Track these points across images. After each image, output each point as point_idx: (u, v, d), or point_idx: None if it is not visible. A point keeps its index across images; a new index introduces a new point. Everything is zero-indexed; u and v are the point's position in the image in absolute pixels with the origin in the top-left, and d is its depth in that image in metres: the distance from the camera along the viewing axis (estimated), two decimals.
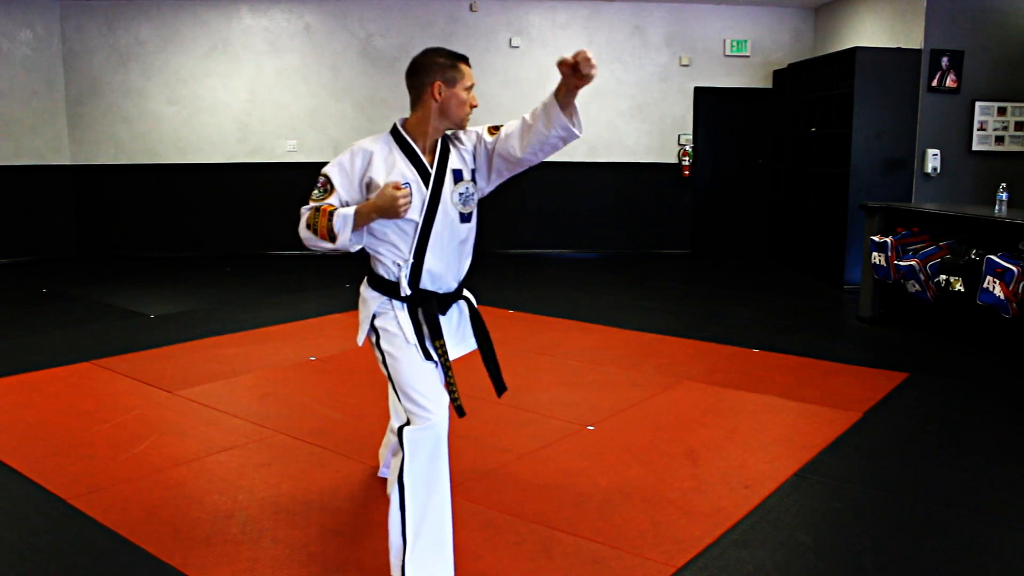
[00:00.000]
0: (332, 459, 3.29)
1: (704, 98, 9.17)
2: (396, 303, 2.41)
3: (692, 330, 5.64)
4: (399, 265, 2.39)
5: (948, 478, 3.15)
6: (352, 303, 6.57)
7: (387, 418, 3.81)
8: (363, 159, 2.38)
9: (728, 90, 9.12)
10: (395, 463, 2.30)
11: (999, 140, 7.14)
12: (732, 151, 9.38)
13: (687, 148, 9.12)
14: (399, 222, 2.35)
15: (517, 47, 8.92)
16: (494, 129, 2.54)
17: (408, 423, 2.29)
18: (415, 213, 2.35)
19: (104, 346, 5.04)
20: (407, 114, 2.49)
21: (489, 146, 2.51)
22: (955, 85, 6.97)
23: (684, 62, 9.06)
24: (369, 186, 2.36)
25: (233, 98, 8.88)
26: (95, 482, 3.04)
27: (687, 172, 9.15)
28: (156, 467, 3.19)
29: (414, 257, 2.38)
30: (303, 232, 2.37)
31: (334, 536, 2.64)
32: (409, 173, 2.37)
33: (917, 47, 6.92)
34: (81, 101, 8.79)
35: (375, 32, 8.88)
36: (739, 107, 9.24)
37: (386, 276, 2.42)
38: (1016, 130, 7.14)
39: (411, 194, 2.31)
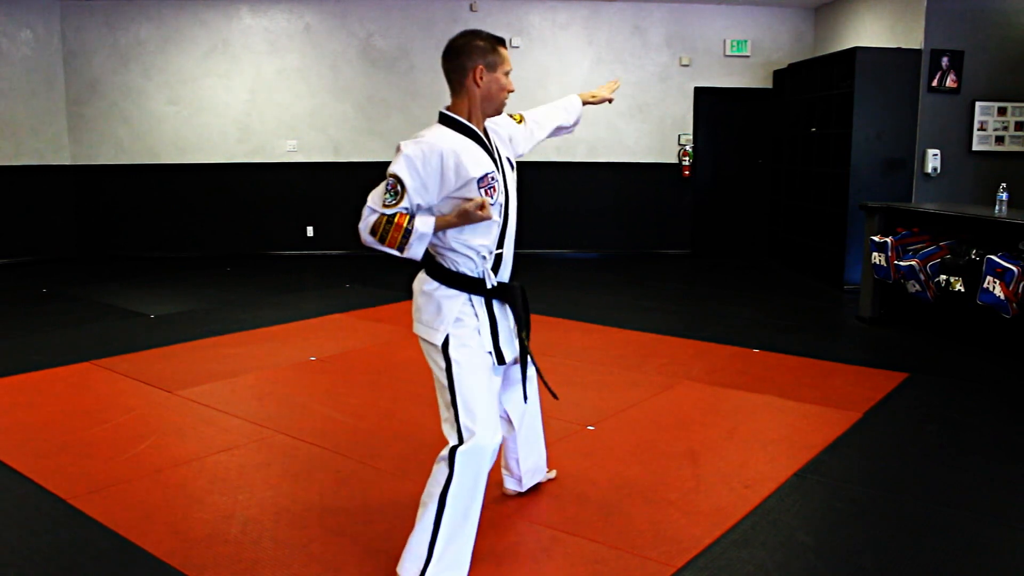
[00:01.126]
0: (332, 459, 3.29)
1: (704, 98, 9.17)
2: (476, 300, 2.33)
3: (692, 330, 5.64)
4: (485, 258, 2.31)
5: (948, 478, 3.15)
6: (352, 303, 6.60)
7: (386, 418, 3.82)
8: (438, 159, 2.20)
9: (728, 90, 9.12)
10: (437, 474, 2.26)
11: (999, 140, 7.14)
12: (732, 151, 9.38)
13: (687, 148, 9.12)
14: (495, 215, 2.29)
15: (517, 47, 8.92)
16: (516, 117, 2.64)
17: (461, 442, 2.25)
18: (501, 204, 2.32)
19: (104, 346, 5.04)
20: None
21: (524, 134, 2.61)
22: (955, 85, 6.97)
23: (684, 62, 9.06)
24: (457, 183, 2.23)
25: (233, 98, 8.88)
26: (95, 482, 3.04)
27: (687, 172, 9.15)
28: (156, 467, 3.19)
29: (498, 246, 2.34)
30: (366, 235, 2.24)
31: (334, 536, 2.64)
32: (488, 164, 2.29)
33: (917, 47, 6.92)
34: (81, 101, 8.80)
35: (375, 32, 8.89)
36: (739, 107, 9.23)
37: (469, 272, 2.31)
38: (1016, 130, 7.14)
39: (496, 190, 2.29)
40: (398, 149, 2.23)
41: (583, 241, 9.31)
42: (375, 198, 2.24)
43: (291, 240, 9.17)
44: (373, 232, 2.23)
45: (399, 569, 2.29)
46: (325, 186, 9.04)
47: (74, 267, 8.45)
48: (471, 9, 8.84)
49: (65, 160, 8.82)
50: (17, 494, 2.96)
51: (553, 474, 3.07)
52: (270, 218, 9.13)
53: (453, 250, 2.30)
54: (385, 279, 7.54)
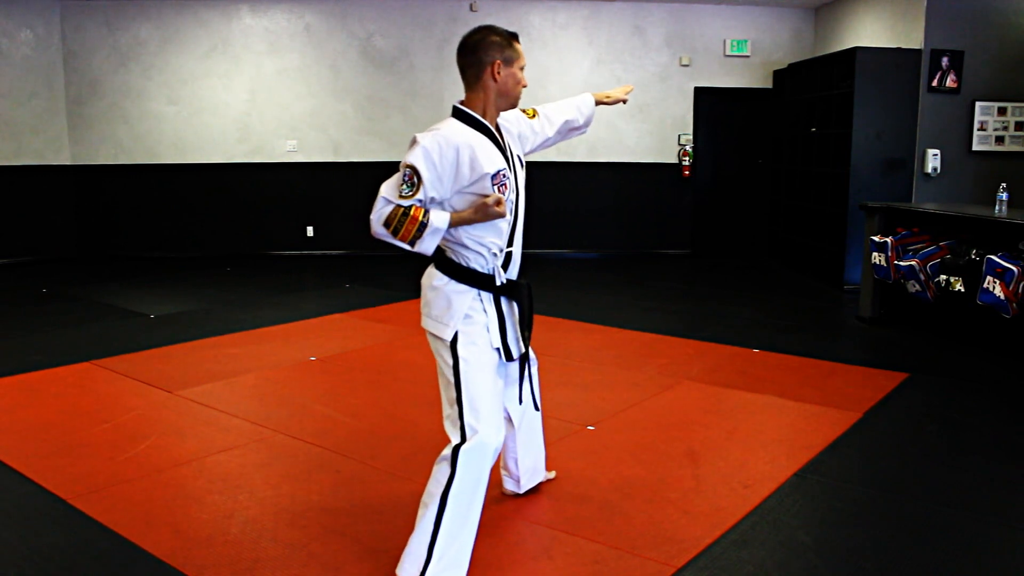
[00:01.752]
0: (332, 459, 3.29)
1: (704, 98, 9.17)
2: (485, 297, 2.32)
3: (692, 330, 5.64)
4: (495, 255, 2.32)
5: (948, 478, 3.15)
6: (352, 303, 6.58)
7: (386, 418, 3.82)
8: (454, 153, 2.20)
9: (728, 90, 9.12)
10: (438, 474, 2.25)
11: (999, 140, 7.14)
12: (732, 151, 9.38)
13: (687, 148, 9.12)
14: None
15: None
16: (529, 112, 2.63)
17: (464, 440, 2.24)
18: (512, 202, 2.33)
19: (104, 346, 5.04)
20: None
21: (536, 129, 2.61)
22: (955, 85, 6.97)
23: (684, 62, 9.06)
24: (471, 178, 2.22)
25: (233, 98, 8.88)
26: (95, 482, 3.04)
27: (687, 172, 9.15)
28: (156, 467, 3.19)
29: (508, 244, 2.34)
30: (378, 227, 2.21)
31: (334, 536, 2.64)
32: (500, 161, 2.29)
33: (917, 47, 6.92)
34: (81, 101, 8.80)
35: (375, 32, 8.89)
36: (739, 107, 9.23)
37: (479, 268, 2.31)
38: (1016, 130, 7.14)
39: (508, 187, 2.29)
40: (414, 141, 2.22)
41: (583, 241, 9.31)
42: (390, 188, 2.21)
43: (291, 240, 9.17)
44: (387, 224, 2.19)
45: (398, 570, 2.28)
46: (325, 186, 9.04)
47: (74, 267, 8.45)
48: (471, 9, 8.84)
49: (65, 160, 8.82)
50: (17, 494, 2.96)
51: (552, 475, 3.07)
52: (270, 218, 9.12)
53: (464, 246, 2.30)
54: (385, 279, 7.53)
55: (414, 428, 3.60)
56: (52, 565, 2.46)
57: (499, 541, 2.62)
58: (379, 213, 2.20)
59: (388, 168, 2.27)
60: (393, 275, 7.62)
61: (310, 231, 9.16)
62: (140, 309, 6.23)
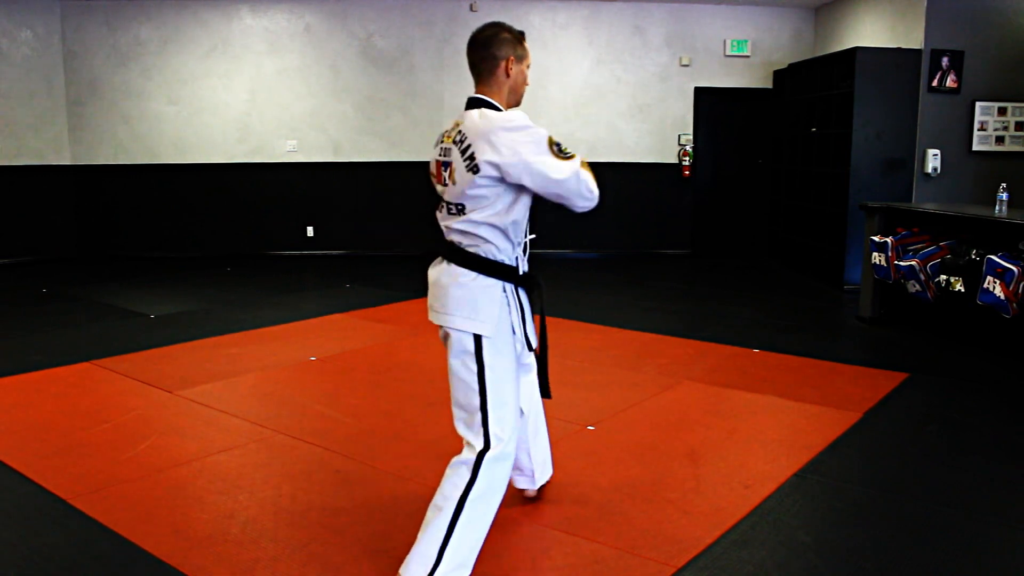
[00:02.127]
0: (332, 459, 3.29)
1: (704, 98, 9.17)
2: (508, 288, 2.31)
3: (692, 330, 5.64)
4: (519, 243, 2.33)
5: (948, 478, 3.15)
6: (352, 303, 6.57)
7: (386, 418, 3.81)
8: None
9: (728, 90, 9.12)
10: (455, 477, 2.22)
11: (999, 140, 7.14)
12: (732, 151, 9.38)
13: (687, 148, 9.12)
14: (530, 200, 2.31)
15: None
16: None
17: (487, 447, 2.21)
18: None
19: (104, 346, 5.04)
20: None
21: None
22: (955, 85, 6.97)
23: (684, 62, 9.06)
24: None
25: (233, 98, 8.88)
26: (95, 482, 3.04)
27: (687, 172, 9.15)
28: (156, 467, 3.19)
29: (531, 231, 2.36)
30: (595, 191, 2.24)
31: (334, 536, 2.64)
32: None
33: (917, 47, 6.92)
34: (81, 101, 8.80)
35: (375, 32, 8.89)
36: (739, 107, 9.24)
37: (506, 260, 2.30)
38: (1016, 130, 7.14)
39: None
40: (517, 121, 2.19)
41: (583, 241, 9.31)
42: (559, 155, 2.19)
43: (291, 240, 9.17)
44: (594, 184, 2.24)
45: (402, 570, 2.26)
46: (325, 186, 9.04)
47: (74, 267, 8.45)
48: (471, 9, 8.84)
49: (65, 160, 8.83)
50: (17, 494, 2.96)
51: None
52: (270, 218, 9.13)
53: (505, 234, 2.26)
54: (385, 279, 7.53)
55: (414, 428, 3.60)
56: (52, 565, 2.46)
57: (499, 541, 2.62)
58: (584, 178, 2.21)
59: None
60: (393, 275, 7.62)
61: (310, 231, 9.17)
62: (140, 309, 6.23)
